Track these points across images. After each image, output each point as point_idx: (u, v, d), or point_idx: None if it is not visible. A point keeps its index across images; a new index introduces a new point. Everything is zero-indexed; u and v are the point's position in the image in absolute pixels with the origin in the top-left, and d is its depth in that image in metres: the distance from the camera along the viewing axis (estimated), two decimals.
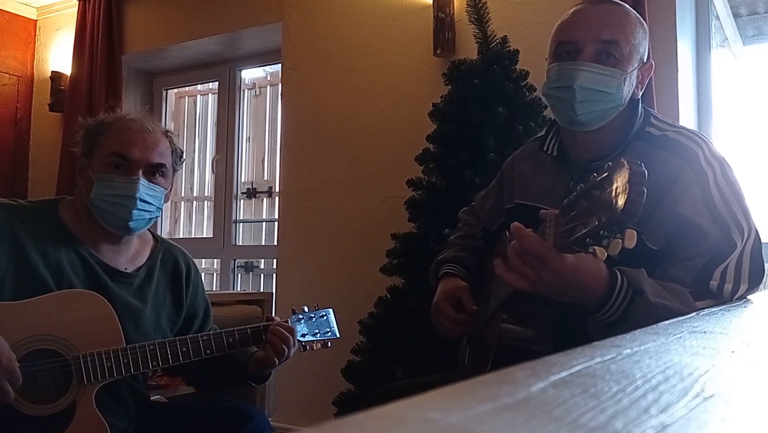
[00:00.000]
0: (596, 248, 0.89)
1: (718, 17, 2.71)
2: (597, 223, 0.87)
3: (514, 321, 1.28)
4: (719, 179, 1.20)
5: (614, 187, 0.85)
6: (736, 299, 1.14)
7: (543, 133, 1.50)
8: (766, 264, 1.21)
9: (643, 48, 1.32)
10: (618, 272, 1.07)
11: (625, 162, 0.85)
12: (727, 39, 2.80)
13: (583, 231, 0.90)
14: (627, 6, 1.34)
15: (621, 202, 0.83)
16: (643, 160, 0.85)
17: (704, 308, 1.10)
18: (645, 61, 1.33)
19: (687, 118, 2.48)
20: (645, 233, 1.17)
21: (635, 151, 1.26)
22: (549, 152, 1.42)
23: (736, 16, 2.78)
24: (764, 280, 1.19)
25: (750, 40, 2.83)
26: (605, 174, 0.88)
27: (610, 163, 0.88)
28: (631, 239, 0.87)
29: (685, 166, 1.21)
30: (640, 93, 1.34)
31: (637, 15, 1.33)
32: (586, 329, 1.13)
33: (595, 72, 1.25)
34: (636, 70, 1.30)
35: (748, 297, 1.18)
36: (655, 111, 1.37)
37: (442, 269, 1.59)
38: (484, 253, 1.61)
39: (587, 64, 1.26)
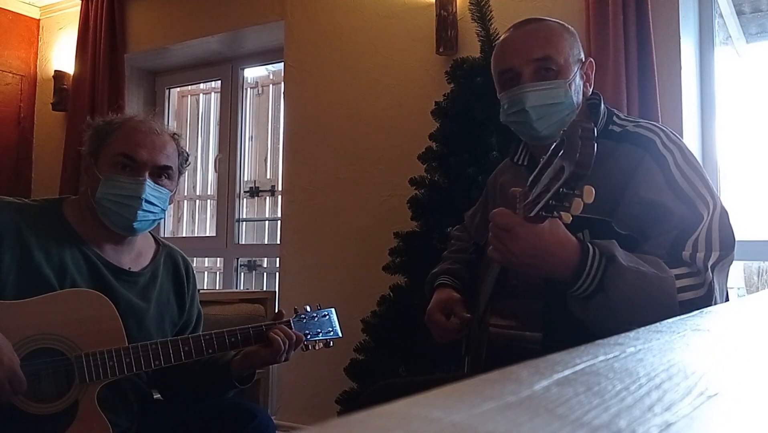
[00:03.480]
0: (561, 213, 0.95)
1: (721, 15, 2.70)
2: (557, 184, 0.92)
3: (501, 322, 1.30)
4: (679, 161, 1.26)
5: (568, 147, 0.91)
6: (711, 267, 1.17)
7: (514, 147, 1.59)
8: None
9: (577, 50, 1.40)
10: (589, 244, 1.13)
11: (576, 122, 0.91)
12: (730, 36, 2.79)
13: (547, 196, 0.95)
14: (550, 20, 1.42)
15: (575, 155, 0.89)
16: (606, 154, 0.93)
17: (680, 275, 1.14)
18: (584, 60, 1.41)
19: (690, 116, 2.48)
20: (614, 220, 1.24)
21: (599, 147, 1.31)
22: (520, 163, 1.52)
23: (739, 13, 2.77)
24: (735, 247, 1.22)
25: (753, 37, 2.82)
26: (561, 139, 0.94)
27: (565, 129, 0.94)
28: (589, 194, 0.92)
29: (645, 154, 1.27)
30: (590, 90, 1.43)
31: (561, 24, 1.42)
32: (573, 322, 1.15)
33: (540, 89, 1.34)
34: (577, 73, 1.38)
35: (740, 294, 1.19)
36: (617, 111, 1.43)
37: (436, 281, 1.64)
38: (476, 265, 1.64)
39: (530, 85, 1.34)
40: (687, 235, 1.19)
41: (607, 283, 1.10)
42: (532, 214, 1.02)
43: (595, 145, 0.89)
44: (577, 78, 1.37)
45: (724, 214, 1.23)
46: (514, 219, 1.08)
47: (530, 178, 1.04)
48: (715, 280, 1.16)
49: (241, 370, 1.59)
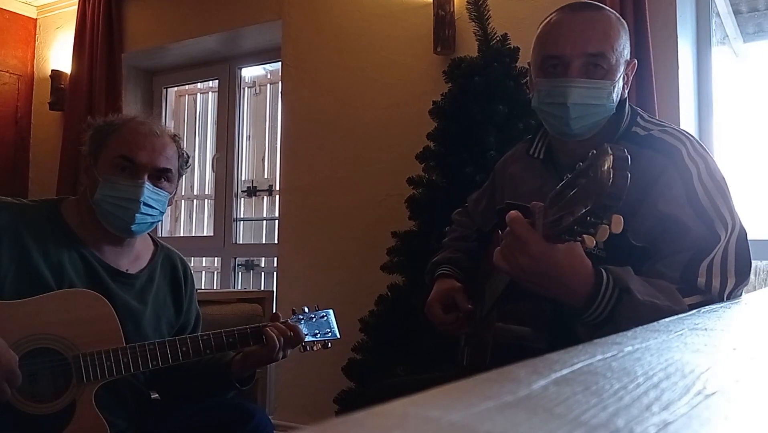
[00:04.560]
0: (585, 236, 0.91)
1: (718, 14, 2.71)
2: (584, 209, 0.88)
3: (508, 319, 1.29)
4: (703, 175, 1.21)
5: (599, 172, 0.86)
6: (727, 296, 1.14)
7: (531, 136, 1.52)
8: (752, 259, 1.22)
9: (627, 50, 1.32)
10: (604, 271, 1.07)
11: (608, 148, 0.86)
12: (727, 36, 2.80)
13: (571, 219, 0.91)
14: (607, 9, 1.33)
15: (606, 186, 0.84)
16: None
17: (693, 305, 1.10)
18: (629, 60, 1.34)
19: (687, 116, 2.48)
20: (629, 229, 1.17)
21: None
22: (536, 156, 1.45)
23: (736, 13, 2.78)
24: (751, 274, 1.19)
25: (750, 37, 2.83)
26: (590, 162, 0.89)
27: (594, 151, 0.89)
28: (618, 224, 0.88)
29: (669, 164, 1.22)
30: (627, 92, 1.35)
31: (618, 17, 1.33)
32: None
33: (587, 87, 1.26)
34: (622, 74, 1.31)
35: (743, 293, 1.19)
36: (642, 111, 1.37)
37: (437, 270, 1.60)
38: (478, 254, 1.61)
39: (578, 80, 1.26)
40: (702, 257, 1.15)
41: (618, 315, 1.06)
42: (551, 234, 0.98)
43: (629, 176, 0.84)
44: (621, 80, 1.30)
45: (742, 236, 1.19)
46: (532, 235, 1.02)
47: (551, 195, 0.99)
48: None
49: (241, 371, 1.59)
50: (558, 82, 1.27)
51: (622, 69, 1.30)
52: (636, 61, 1.37)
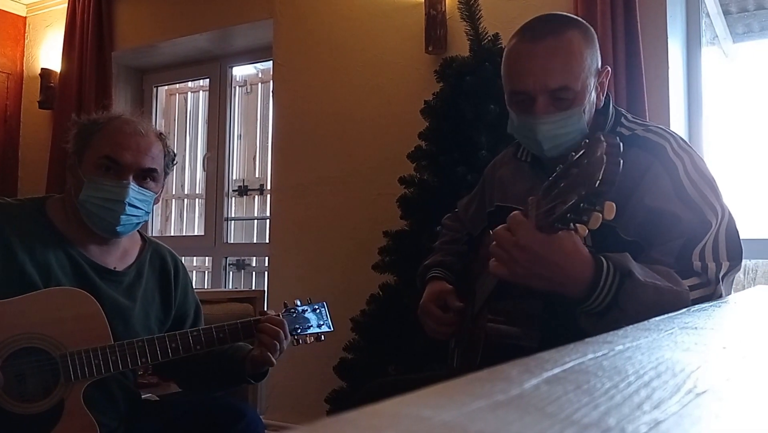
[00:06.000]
0: (578, 225, 0.91)
1: (708, 15, 2.72)
2: (576, 197, 0.88)
3: (499, 319, 1.29)
4: (689, 169, 1.23)
5: (592, 160, 0.87)
6: (722, 278, 1.16)
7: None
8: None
9: (596, 62, 1.30)
10: (603, 258, 1.07)
11: (601, 136, 0.88)
12: (717, 36, 2.81)
13: (564, 207, 0.91)
14: (568, 27, 1.28)
15: (598, 173, 0.85)
16: None
17: (693, 286, 1.12)
18: (600, 69, 1.33)
19: (677, 116, 2.49)
20: (618, 225, 1.19)
21: None
22: (524, 159, 1.47)
23: (726, 13, 2.79)
24: (742, 259, 1.21)
25: (740, 37, 2.84)
26: (582, 151, 0.90)
27: (588, 140, 0.90)
28: (610, 210, 0.88)
29: (654, 160, 1.24)
30: (603, 99, 1.35)
31: (581, 31, 1.29)
32: (572, 324, 1.12)
33: (554, 121, 1.27)
34: (593, 88, 1.30)
35: (733, 285, 1.20)
36: (625, 111, 1.39)
37: (428, 273, 1.61)
38: (469, 257, 1.62)
39: (544, 117, 1.26)
40: (694, 242, 1.16)
41: (622, 299, 1.05)
42: (545, 224, 0.97)
43: (621, 162, 0.85)
44: (593, 94, 1.30)
45: (732, 222, 1.21)
46: (524, 228, 1.02)
47: (544, 186, 0.99)
48: (723, 292, 1.15)
49: (254, 369, 1.59)
50: (526, 119, 1.29)
51: (592, 84, 1.29)
52: (609, 68, 1.36)
